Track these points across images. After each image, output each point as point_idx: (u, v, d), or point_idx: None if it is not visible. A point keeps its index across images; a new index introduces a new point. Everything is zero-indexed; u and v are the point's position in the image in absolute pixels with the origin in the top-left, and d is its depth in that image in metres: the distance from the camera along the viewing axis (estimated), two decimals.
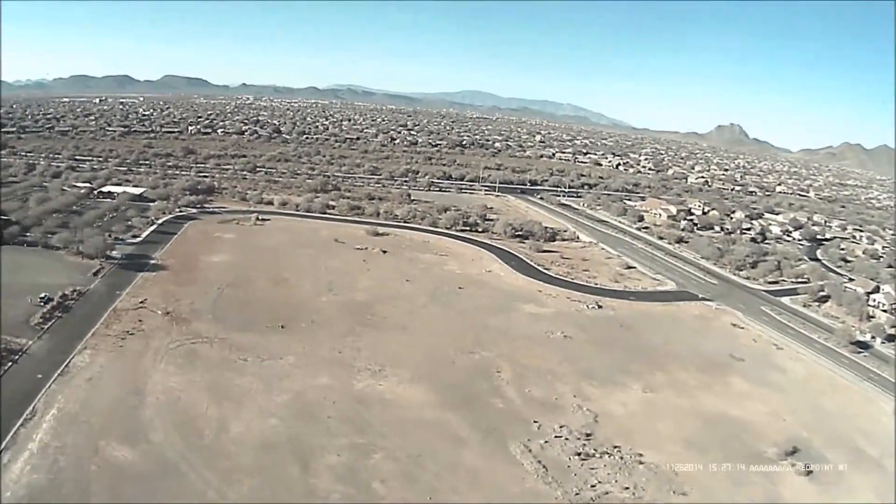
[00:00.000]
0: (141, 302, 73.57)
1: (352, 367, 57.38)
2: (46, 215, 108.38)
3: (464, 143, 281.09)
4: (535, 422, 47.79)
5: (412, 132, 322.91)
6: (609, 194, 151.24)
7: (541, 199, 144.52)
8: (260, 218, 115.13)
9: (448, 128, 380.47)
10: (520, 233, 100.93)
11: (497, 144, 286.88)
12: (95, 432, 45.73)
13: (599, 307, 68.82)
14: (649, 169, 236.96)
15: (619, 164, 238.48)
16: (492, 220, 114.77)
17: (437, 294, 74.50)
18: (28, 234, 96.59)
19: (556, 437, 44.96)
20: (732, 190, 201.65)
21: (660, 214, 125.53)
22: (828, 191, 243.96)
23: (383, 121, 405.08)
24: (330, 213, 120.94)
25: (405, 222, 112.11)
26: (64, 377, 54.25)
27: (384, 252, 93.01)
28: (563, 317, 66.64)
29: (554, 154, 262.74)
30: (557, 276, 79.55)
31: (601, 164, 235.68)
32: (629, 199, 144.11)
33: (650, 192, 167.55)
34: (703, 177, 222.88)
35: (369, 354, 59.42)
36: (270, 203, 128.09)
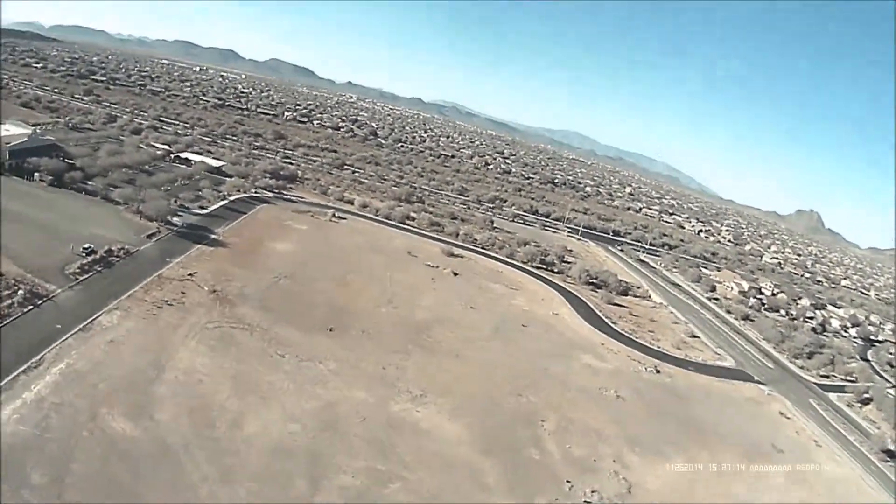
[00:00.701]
0: (189, 274, 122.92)
1: (393, 386, 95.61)
2: (114, 168, 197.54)
3: (556, 181, 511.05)
4: (567, 481, 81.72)
5: (507, 160, 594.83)
6: (687, 258, 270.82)
7: (621, 250, 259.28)
8: (336, 215, 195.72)
9: (543, 163, 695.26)
10: (594, 281, 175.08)
11: (588, 189, 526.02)
12: (99, 397, 74.82)
13: (658, 372, 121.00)
14: (728, 240, 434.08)
15: (700, 231, 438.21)
16: (569, 262, 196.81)
17: (499, 327, 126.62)
18: (90, 182, 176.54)
19: (585, 502, 78.08)
20: (802, 276, 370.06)
21: (732, 288, 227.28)
22: (887, 292, 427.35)
23: (481, 144, 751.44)
24: (409, 225, 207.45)
25: (483, 248, 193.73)
26: (84, 333, 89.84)
27: (455, 274, 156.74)
28: (620, 375, 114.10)
29: (641, 209, 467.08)
30: (623, 332, 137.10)
31: (684, 227, 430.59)
32: (705, 267, 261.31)
33: (726, 264, 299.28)
34: (777, 258, 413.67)
35: (414, 377, 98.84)
36: (351, 203, 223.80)
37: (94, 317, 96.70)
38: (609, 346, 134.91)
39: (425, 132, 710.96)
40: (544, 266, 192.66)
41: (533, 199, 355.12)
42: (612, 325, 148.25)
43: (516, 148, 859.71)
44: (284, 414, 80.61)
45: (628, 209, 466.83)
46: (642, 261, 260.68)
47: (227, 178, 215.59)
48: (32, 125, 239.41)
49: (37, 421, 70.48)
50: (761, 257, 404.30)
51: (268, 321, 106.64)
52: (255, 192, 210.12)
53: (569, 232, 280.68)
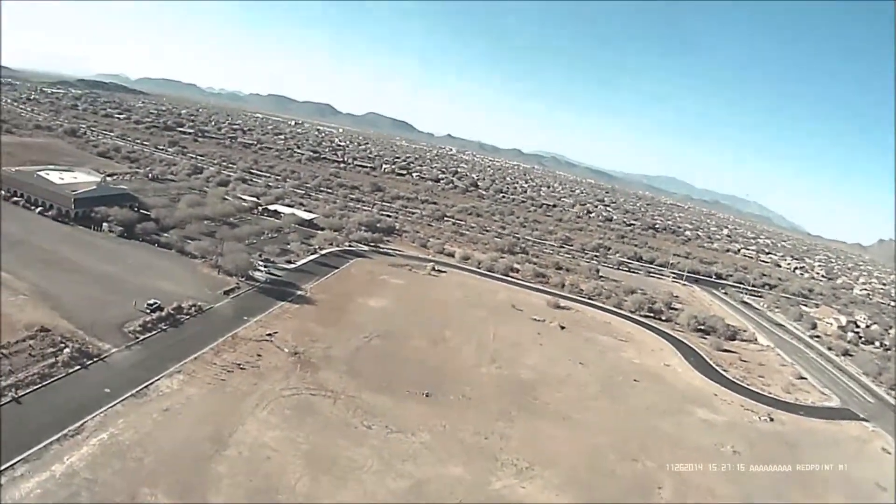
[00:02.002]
0: (269, 334, 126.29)
1: (495, 458, 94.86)
2: (193, 220, 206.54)
3: (656, 226, 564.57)
4: None
5: (608, 208, 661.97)
6: (787, 297, 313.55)
7: (724, 293, 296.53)
8: (436, 268, 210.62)
9: (643, 209, 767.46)
10: (702, 327, 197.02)
11: (687, 233, 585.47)
12: (142, 475, 73.48)
13: (771, 420, 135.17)
14: (822, 275, 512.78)
15: (796, 268, 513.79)
16: (676, 309, 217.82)
17: (609, 384, 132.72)
18: (165, 234, 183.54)
19: None
20: (890, 305, 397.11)
21: (831, 323, 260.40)
22: None
23: (581, 192, 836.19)
24: (513, 277, 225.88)
25: (590, 298, 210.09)
26: (136, 399, 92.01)
27: (562, 328, 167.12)
28: (734, 428, 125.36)
29: (739, 250, 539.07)
30: (734, 380, 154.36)
31: (780, 266, 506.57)
32: (805, 305, 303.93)
33: (823, 300, 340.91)
34: (865, 289, 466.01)
35: (518, 446, 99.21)
36: (451, 255, 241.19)
37: (150, 381, 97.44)
38: (722, 396, 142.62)
39: (526, 182, 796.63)
40: (652, 314, 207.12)
41: (636, 245, 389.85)
42: (724, 373, 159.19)
43: (616, 195, 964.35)
44: (365, 496, 78.61)
45: (727, 251, 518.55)
46: (746, 302, 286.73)
47: (319, 231, 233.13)
48: (108, 175, 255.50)
49: (62, 498, 68.05)
50: (852, 290, 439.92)
51: (354, 387, 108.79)
52: (350, 246, 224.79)
53: (673, 277, 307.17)
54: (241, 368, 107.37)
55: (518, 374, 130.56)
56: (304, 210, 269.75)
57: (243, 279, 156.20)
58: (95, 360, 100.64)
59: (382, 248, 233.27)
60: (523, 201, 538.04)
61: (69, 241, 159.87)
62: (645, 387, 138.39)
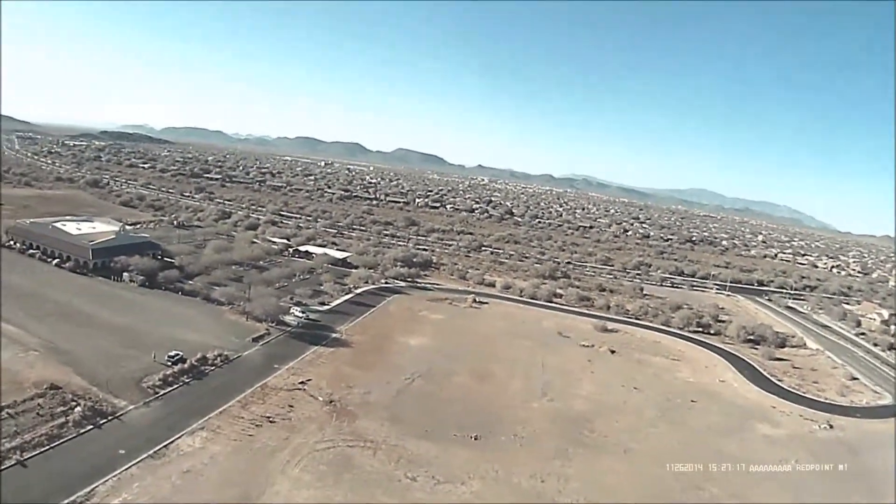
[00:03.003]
0: (301, 382, 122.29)
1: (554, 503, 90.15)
2: (220, 266, 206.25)
3: (693, 239, 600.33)
4: None
5: (644, 225, 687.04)
6: (829, 297, 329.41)
7: (768, 300, 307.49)
8: (477, 300, 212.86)
9: (678, 223, 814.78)
10: (752, 337, 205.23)
11: (724, 242, 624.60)
12: None
13: (831, 427, 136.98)
14: (858, 272, 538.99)
15: (832, 267, 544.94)
16: (723, 321, 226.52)
17: (666, 407, 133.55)
18: (189, 282, 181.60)
19: None
20: None
21: (874, 319, 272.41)
22: None
23: (616, 212, 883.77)
24: (557, 302, 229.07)
25: (636, 318, 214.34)
26: (154, 460, 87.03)
27: (612, 352, 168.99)
28: (796, 440, 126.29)
29: (776, 255, 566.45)
30: (789, 389, 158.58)
31: (817, 266, 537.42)
32: (846, 303, 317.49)
33: (863, 296, 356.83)
34: None
35: (579, 487, 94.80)
36: (492, 285, 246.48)
37: (170, 440, 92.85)
38: (780, 407, 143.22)
39: (560, 206, 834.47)
40: (701, 329, 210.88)
41: (676, 260, 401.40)
42: (779, 382, 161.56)
43: (650, 212, 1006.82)
44: None
45: (765, 257, 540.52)
46: (790, 307, 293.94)
47: (353, 270, 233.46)
48: (131, 223, 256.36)
49: None
50: (888, 282, 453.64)
51: (396, 434, 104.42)
52: (386, 283, 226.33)
53: (717, 289, 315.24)
54: (271, 422, 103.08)
55: (571, 405, 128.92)
56: (337, 249, 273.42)
57: (273, 324, 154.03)
58: (110, 418, 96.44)
59: (420, 283, 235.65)
60: (560, 225, 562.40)
61: (86, 293, 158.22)
62: (703, 406, 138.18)
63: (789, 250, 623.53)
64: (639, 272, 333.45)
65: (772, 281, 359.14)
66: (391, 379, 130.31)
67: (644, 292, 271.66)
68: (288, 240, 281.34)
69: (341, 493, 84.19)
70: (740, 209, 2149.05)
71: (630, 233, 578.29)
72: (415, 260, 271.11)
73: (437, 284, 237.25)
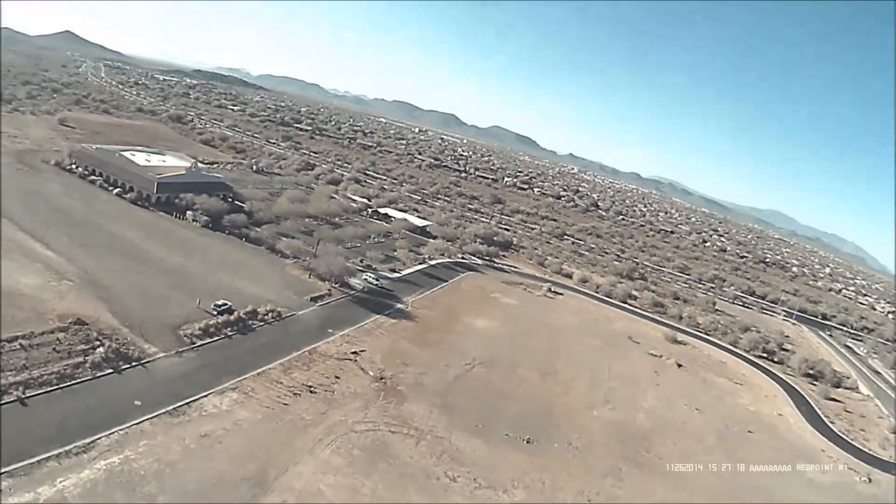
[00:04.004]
0: (353, 352, 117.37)
1: None
2: (292, 216, 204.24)
3: (766, 260, 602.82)
4: None
5: (722, 238, 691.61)
6: (884, 343, 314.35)
7: (830, 335, 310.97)
8: (552, 290, 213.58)
9: (753, 242, 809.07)
10: (811, 372, 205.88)
11: (794, 269, 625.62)
12: None
13: (870, 481, 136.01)
14: None
15: (888, 313, 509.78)
16: (787, 350, 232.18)
17: (725, 435, 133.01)
18: (256, 228, 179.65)
19: None
20: None
21: None
22: None
23: (697, 221, 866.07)
24: (631, 304, 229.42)
25: (706, 333, 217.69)
26: (171, 418, 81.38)
27: (679, 366, 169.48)
28: (838, 490, 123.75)
29: (840, 290, 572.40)
30: (840, 434, 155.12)
31: (875, 309, 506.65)
32: None
33: None
34: None
35: None
36: (569, 276, 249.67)
37: (195, 397, 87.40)
38: (829, 452, 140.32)
39: (644, 206, 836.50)
40: (766, 355, 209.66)
41: (748, 279, 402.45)
42: (831, 425, 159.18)
43: (728, 226, 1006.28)
44: None
45: (829, 290, 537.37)
46: (848, 346, 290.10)
47: (431, 240, 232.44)
48: (209, 162, 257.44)
49: None
50: None
51: (445, 425, 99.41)
52: (462, 258, 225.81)
53: (784, 316, 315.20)
54: (312, 392, 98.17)
55: (633, 418, 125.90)
56: (418, 216, 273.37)
57: (337, 285, 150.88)
58: (134, 364, 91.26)
59: (497, 264, 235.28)
60: (642, 225, 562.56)
61: (142, 227, 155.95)
62: (759, 440, 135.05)
63: (852, 288, 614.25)
64: (713, 285, 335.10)
65: (834, 316, 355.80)
66: (451, 362, 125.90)
67: (716, 307, 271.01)
68: (369, 200, 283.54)
69: (371, 484, 78.54)
70: (811, 238, 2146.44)
71: (708, 244, 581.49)
72: (495, 239, 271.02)
73: (515, 267, 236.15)
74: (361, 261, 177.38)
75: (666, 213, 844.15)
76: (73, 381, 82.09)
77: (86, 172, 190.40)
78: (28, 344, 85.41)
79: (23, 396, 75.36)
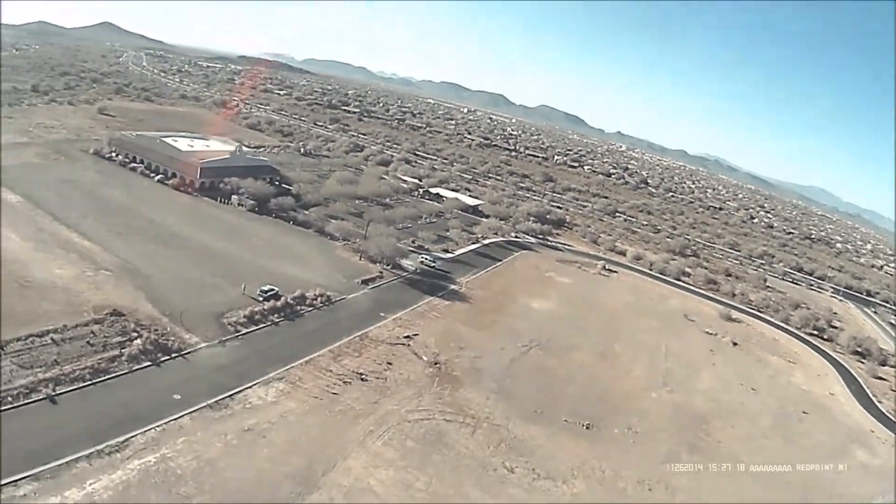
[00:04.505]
0: (406, 336, 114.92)
1: None
2: (341, 198, 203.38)
3: (812, 236, 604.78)
4: None
5: (769, 215, 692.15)
6: None
7: (874, 312, 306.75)
8: (607, 268, 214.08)
9: (798, 218, 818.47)
10: (859, 349, 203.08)
11: (838, 245, 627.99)
12: None
13: None
14: None
15: None
16: (836, 327, 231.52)
17: (780, 417, 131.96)
18: (304, 211, 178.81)
19: None
20: None
21: None
22: None
23: (744, 197, 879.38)
24: (684, 281, 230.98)
25: (758, 310, 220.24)
26: (213, 412, 77.74)
27: (734, 344, 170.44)
28: (888, 474, 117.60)
29: (881, 266, 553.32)
30: (887, 414, 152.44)
31: None
32: None
33: None
34: None
35: (686, 499, 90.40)
36: (623, 254, 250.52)
37: (238, 389, 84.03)
38: (878, 433, 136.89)
39: (693, 183, 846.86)
40: (815, 332, 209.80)
41: (796, 255, 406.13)
42: (878, 404, 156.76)
43: (773, 202, 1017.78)
44: None
45: (872, 266, 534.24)
46: (892, 324, 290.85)
47: (484, 219, 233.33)
48: (254, 146, 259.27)
49: None
50: None
51: (502, 412, 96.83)
52: (516, 237, 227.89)
53: (832, 292, 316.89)
54: (363, 379, 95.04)
55: (691, 401, 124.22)
56: (470, 195, 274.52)
57: (388, 267, 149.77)
58: (174, 356, 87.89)
59: (551, 242, 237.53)
60: (691, 202, 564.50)
61: (185, 213, 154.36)
62: (813, 421, 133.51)
63: (893, 264, 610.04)
64: (762, 262, 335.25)
65: (878, 293, 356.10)
66: (507, 345, 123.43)
67: (767, 283, 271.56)
68: (419, 180, 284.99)
69: (425, 478, 75.11)
70: (852, 214, 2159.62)
71: (756, 220, 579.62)
72: (548, 217, 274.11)
73: (568, 245, 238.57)
74: (413, 242, 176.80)
75: (714, 189, 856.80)
76: (108, 376, 78.74)
77: (126, 160, 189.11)
78: (60, 338, 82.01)
79: (53, 394, 71.85)
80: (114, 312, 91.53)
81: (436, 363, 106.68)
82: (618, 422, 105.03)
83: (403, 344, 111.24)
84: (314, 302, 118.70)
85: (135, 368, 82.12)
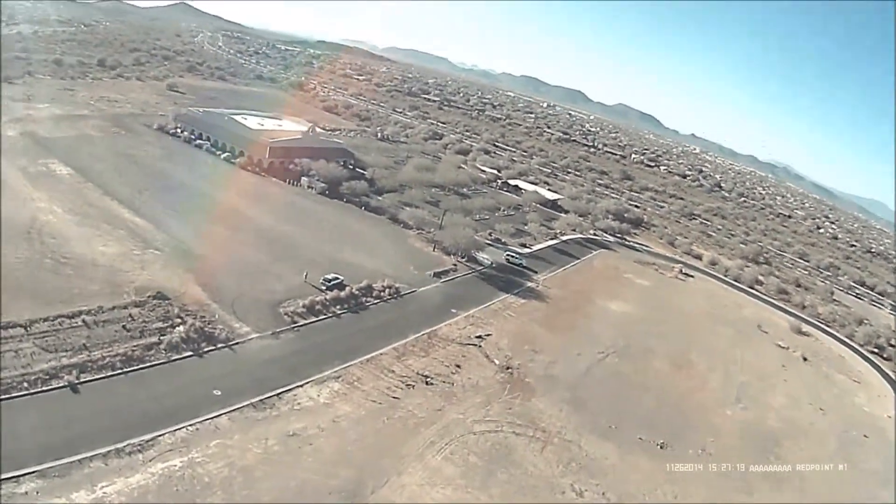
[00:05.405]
0: (478, 336, 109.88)
1: None
2: (417, 185, 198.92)
3: (872, 250, 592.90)
4: None
5: (833, 226, 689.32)
6: None
7: None
8: (683, 271, 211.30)
9: (860, 231, 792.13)
10: None
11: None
12: None
13: None
14: None
15: None
16: (894, 346, 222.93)
17: (845, 440, 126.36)
18: (378, 197, 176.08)
19: None
20: None
21: None
22: None
23: (810, 206, 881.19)
24: (757, 290, 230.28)
25: (826, 324, 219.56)
26: (255, 412, 71.84)
27: (804, 359, 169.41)
28: None
29: None
30: None
31: None
32: None
33: None
34: None
35: None
36: (699, 258, 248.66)
37: (288, 387, 77.91)
38: None
39: (763, 189, 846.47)
40: (876, 350, 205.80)
41: (859, 268, 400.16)
42: None
43: (837, 213, 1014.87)
44: None
45: None
46: None
47: (562, 214, 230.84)
48: (330, 129, 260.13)
49: None
50: None
51: (575, 425, 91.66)
52: (594, 234, 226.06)
53: (891, 309, 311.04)
54: (428, 383, 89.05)
55: (764, 419, 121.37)
56: (549, 189, 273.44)
57: (463, 260, 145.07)
58: (220, 346, 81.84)
59: (629, 242, 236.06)
60: (762, 208, 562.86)
61: (250, 194, 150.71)
62: (872, 446, 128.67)
63: None
64: (829, 273, 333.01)
65: None
66: (583, 350, 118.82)
67: (833, 296, 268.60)
68: (498, 171, 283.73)
69: (486, 499, 69.28)
70: None
71: (822, 231, 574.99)
72: (626, 215, 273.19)
73: (646, 246, 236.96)
74: (490, 234, 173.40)
75: (782, 196, 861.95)
76: (142, 365, 72.69)
77: (191, 136, 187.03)
78: (93, 321, 76.31)
79: (75, 381, 66.01)
80: (157, 295, 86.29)
81: (508, 367, 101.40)
82: (692, 440, 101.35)
83: (474, 345, 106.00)
84: (381, 294, 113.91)
85: (173, 358, 76.43)
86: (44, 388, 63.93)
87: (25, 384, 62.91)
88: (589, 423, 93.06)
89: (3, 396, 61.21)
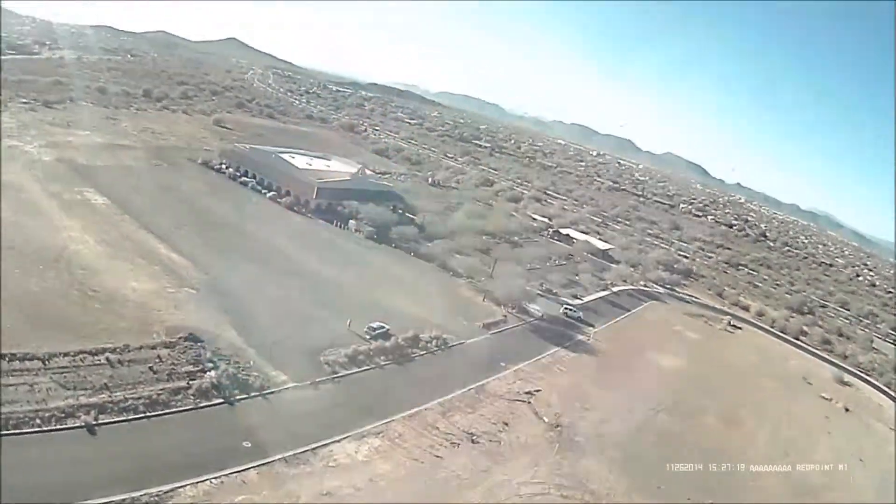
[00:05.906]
0: (528, 392, 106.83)
1: None
2: (469, 233, 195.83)
3: None
4: None
5: (871, 273, 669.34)
6: None
7: None
8: (732, 323, 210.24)
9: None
10: None
11: None
12: None
13: None
14: None
15: None
16: None
17: (880, 489, 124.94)
18: (427, 243, 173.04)
19: None
20: None
21: None
22: None
23: (849, 254, 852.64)
24: (802, 340, 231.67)
25: (866, 373, 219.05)
26: (287, 468, 67.87)
27: (847, 410, 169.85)
28: None
29: None
30: None
31: None
32: None
33: None
34: None
35: None
36: (746, 309, 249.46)
37: (324, 442, 74.20)
38: None
39: (806, 238, 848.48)
40: None
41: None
42: None
43: (875, 261, 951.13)
44: None
45: None
46: None
47: (614, 265, 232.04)
48: (379, 172, 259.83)
49: None
50: None
51: (624, 488, 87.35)
52: (644, 286, 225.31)
53: None
54: (474, 441, 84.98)
55: (808, 478, 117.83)
56: (600, 239, 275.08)
57: (514, 310, 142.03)
58: (253, 395, 78.51)
59: (678, 293, 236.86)
60: (805, 257, 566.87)
61: (295, 235, 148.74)
62: None
63: None
64: (868, 322, 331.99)
65: None
66: (634, 406, 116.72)
67: (873, 346, 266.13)
68: (550, 219, 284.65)
69: None
70: None
71: (861, 278, 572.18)
72: (675, 266, 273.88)
73: (695, 297, 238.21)
74: (542, 284, 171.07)
75: (824, 245, 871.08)
76: (167, 410, 69.38)
77: (236, 173, 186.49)
78: (118, 359, 73.36)
79: (93, 422, 62.98)
80: (189, 337, 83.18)
81: (557, 426, 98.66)
82: (739, 499, 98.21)
83: (524, 401, 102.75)
84: (428, 345, 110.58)
85: (202, 405, 72.94)
86: (58, 427, 60.93)
87: (38, 420, 59.98)
88: (638, 484, 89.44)
89: (11, 431, 58.44)
